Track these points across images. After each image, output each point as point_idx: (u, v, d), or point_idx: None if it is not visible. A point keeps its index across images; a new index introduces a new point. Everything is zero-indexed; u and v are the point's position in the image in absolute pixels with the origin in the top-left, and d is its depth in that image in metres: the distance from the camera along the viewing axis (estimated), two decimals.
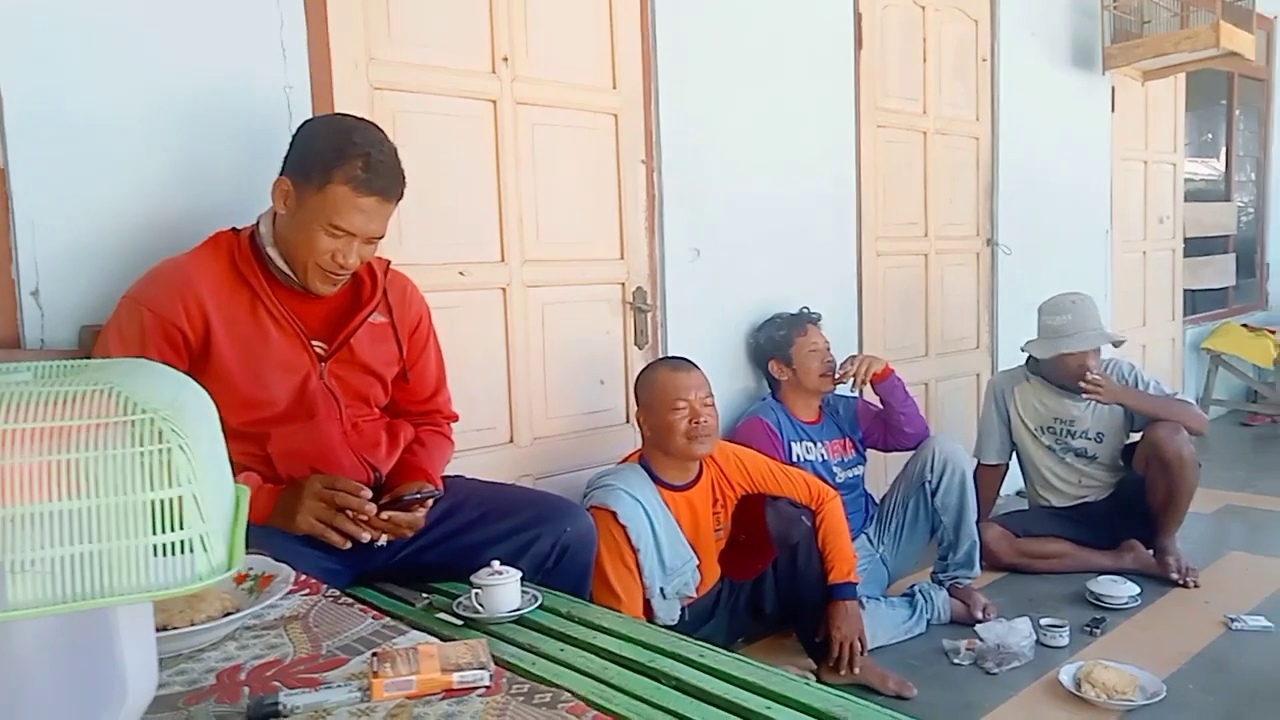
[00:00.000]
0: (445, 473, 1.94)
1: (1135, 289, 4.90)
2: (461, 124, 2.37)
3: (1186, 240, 5.34)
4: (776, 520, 2.38)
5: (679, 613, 2.28)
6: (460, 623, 1.63)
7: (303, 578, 1.15)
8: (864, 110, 3.37)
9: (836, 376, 2.90)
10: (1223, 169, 5.95)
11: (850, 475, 2.98)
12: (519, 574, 1.65)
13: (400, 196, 1.68)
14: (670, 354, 2.73)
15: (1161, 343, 5.14)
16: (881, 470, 3.30)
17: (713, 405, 2.32)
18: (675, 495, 2.30)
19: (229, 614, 1.05)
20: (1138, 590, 2.85)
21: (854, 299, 3.41)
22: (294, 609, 1.02)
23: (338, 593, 1.09)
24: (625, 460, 2.39)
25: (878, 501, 3.04)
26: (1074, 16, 4.26)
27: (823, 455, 2.93)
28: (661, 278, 2.79)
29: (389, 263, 1.87)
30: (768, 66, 3.05)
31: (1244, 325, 5.39)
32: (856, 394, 3.12)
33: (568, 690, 1.31)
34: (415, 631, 0.97)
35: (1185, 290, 5.34)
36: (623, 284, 2.72)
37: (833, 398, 3.03)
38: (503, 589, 1.61)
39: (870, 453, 3.09)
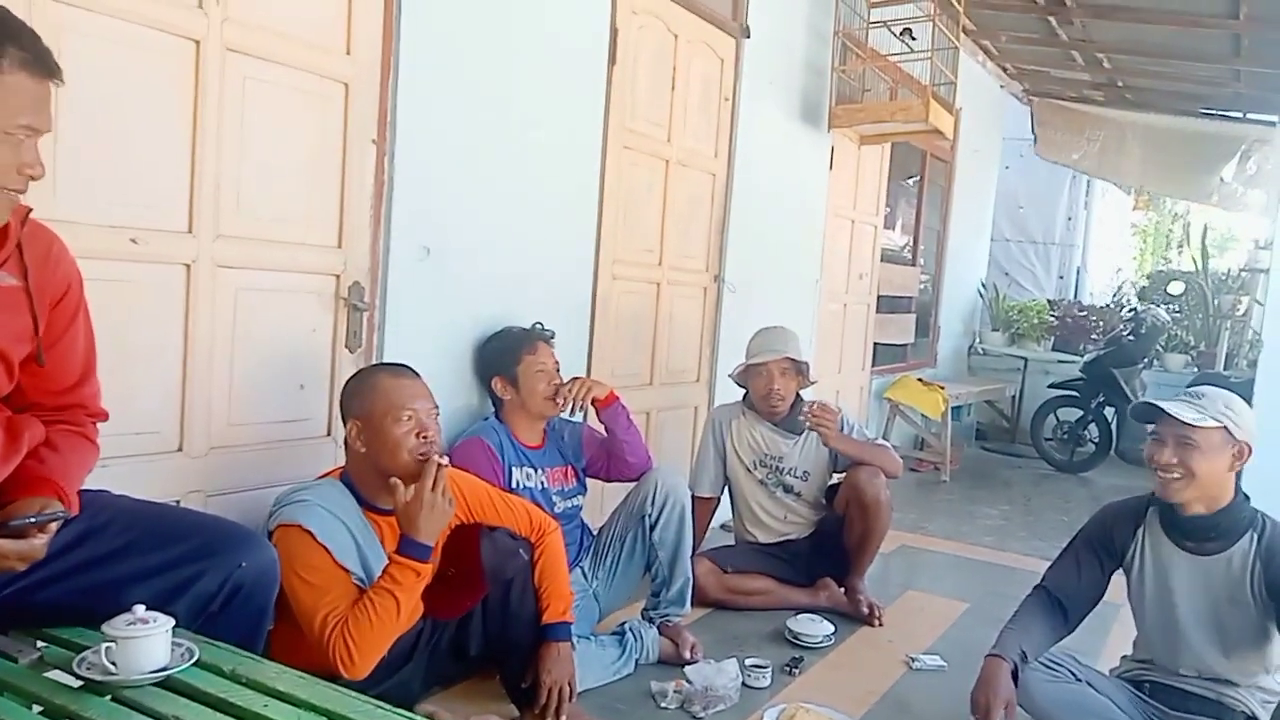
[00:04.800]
0: (84, 486, 1.53)
1: (835, 337, 5.24)
2: (153, 61, 1.95)
3: (878, 298, 5.81)
4: (492, 553, 2.15)
5: None
6: (79, 684, 1.26)
7: None
8: (613, 128, 3.28)
9: (560, 399, 2.75)
10: (911, 237, 6.59)
11: (570, 505, 2.82)
12: (170, 622, 1.30)
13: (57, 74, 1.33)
14: (387, 360, 2.44)
15: (853, 390, 5.54)
16: (598, 501, 3.19)
17: (438, 420, 2.07)
18: (382, 520, 2.00)
19: None
20: (833, 629, 2.94)
21: (587, 320, 3.29)
22: None
23: None
24: (323, 477, 2.06)
25: (594, 533, 2.91)
26: (807, 74, 4.48)
27: (543, 483, 2.76)
28: (384, 275, 2.49)
29: (29, 211, 1.44)
30: (520, 65, 2.85)
31: (919, 379, 5.95)
32: (580, 419, 2.99)
33: None
34: None
35: (874, 343, 5.81)
36: (338, 276, 2.39)
37: (558, 422, 2.87)
38: (145, 642, 1.26)
39: (589, 483, 2.96)
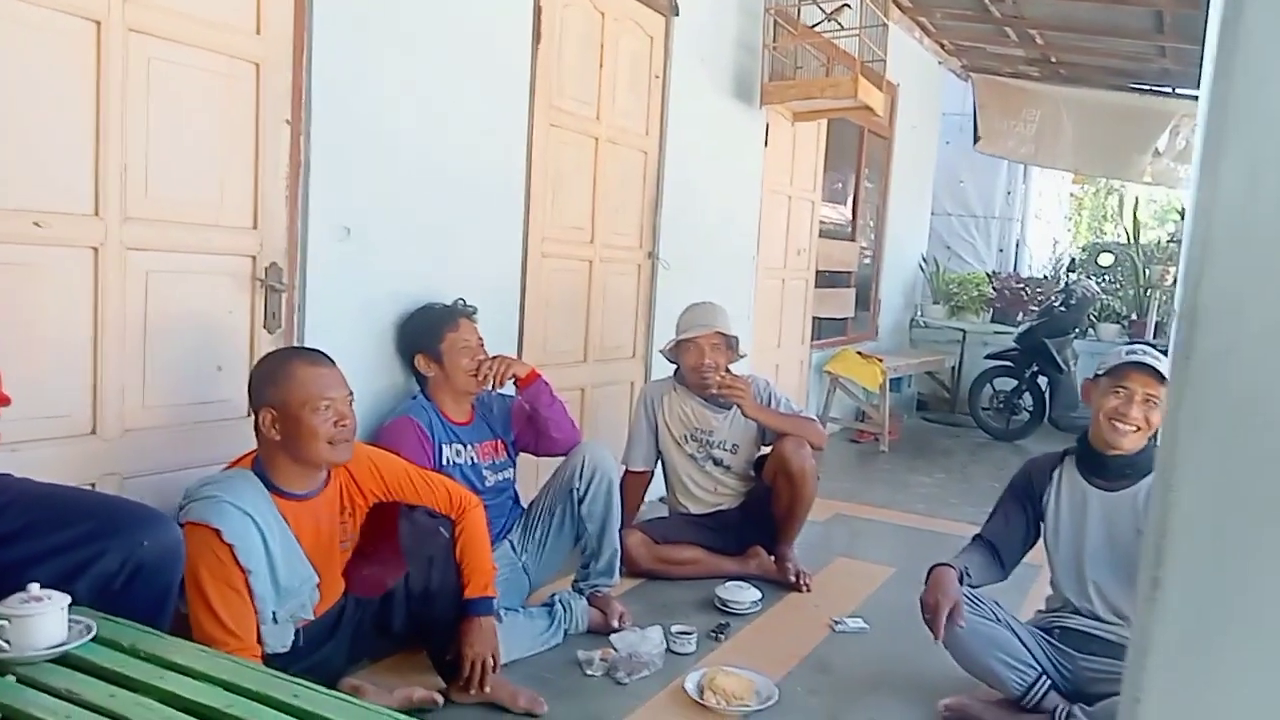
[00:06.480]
0: None
1: (773, 313, 5.30)
2: (52, 42, 1.93)
3: (817, 273, 5.89)
4: (410, 533, 2.18)
5: (292, 637, 2.01)
6: None
7: None
8: (538, 106, 3.29)
9: (480, 377, 2.77)
10: (850, 213, 6.67)
11: (500, 479, 2.86)
12: (65, 599, 1.32)
13: None
14: (307, 342, 2.45)
15: (792, 364, 5.62)
16: (532, 474, 3.22)
17: (353, 405, 2.08)
18: (295, 505, 2.01)
19: None
20: (760, 595, 3.02)
21: (516, 298, 3.31)
22: None
23: None
24: (234, 465, 2.05)
25: (525, 507, 2.95)
26: (738, 51, 4.51)
27: (473, 458, 2.79)
28: (302, 255, 2.49)
29: None
30: (439, 41, 2.85)
31: (859, 352, 6.05)
32: (513, 392, 3.02)
33: None
34: None
35: (813, 317, 5.89)
36: (254, 258, 2.39)
37: (487, 395, 2.90)
38: (39, 620, 1.28)
39: (522, 456, 2.99)
